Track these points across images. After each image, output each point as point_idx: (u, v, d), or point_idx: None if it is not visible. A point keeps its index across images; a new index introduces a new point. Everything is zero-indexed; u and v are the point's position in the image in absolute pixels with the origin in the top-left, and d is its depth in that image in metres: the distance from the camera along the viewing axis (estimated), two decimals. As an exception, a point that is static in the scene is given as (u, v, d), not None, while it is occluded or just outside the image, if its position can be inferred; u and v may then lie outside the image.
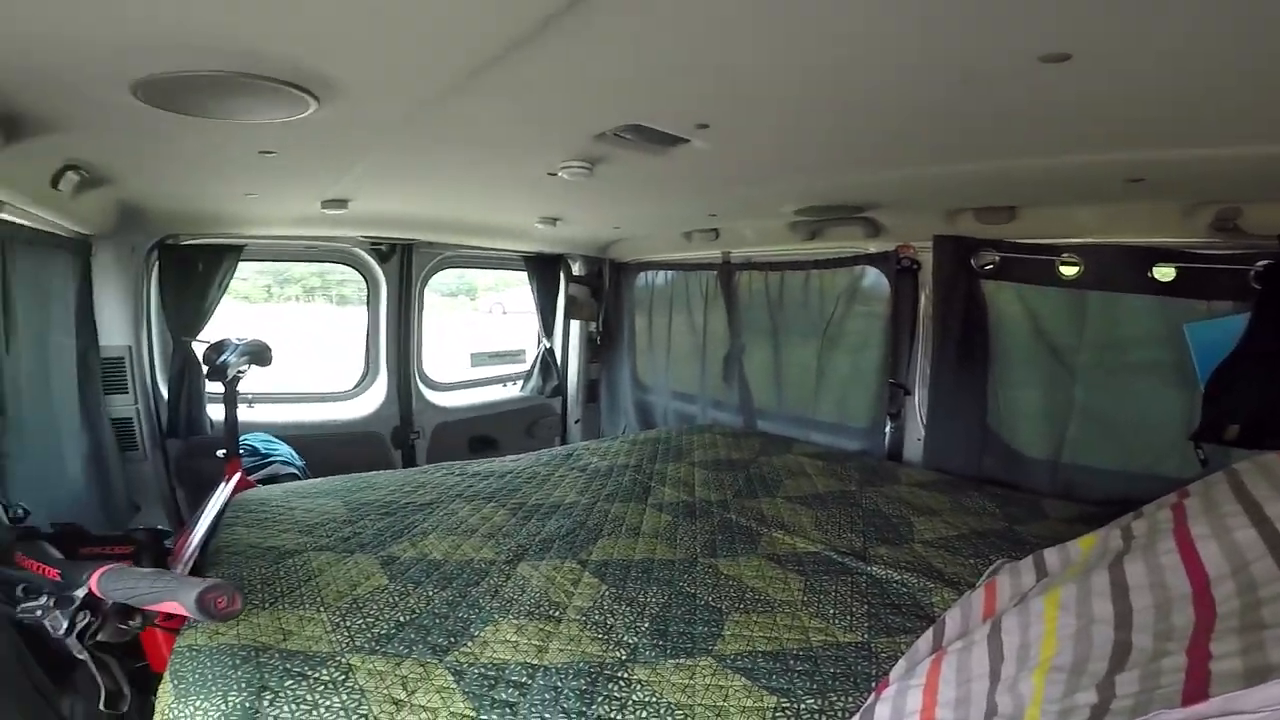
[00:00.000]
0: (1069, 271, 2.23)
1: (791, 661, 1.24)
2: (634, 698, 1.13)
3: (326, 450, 3.22)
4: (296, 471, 2.83)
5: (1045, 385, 2.36)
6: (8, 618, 1.18)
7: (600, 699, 1.12)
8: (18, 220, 1.90)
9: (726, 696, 1.14)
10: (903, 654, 1.14)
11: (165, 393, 2.95)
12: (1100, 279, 2.18)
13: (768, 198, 2.39)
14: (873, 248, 2.80)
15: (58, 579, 1.10)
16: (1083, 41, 0.93)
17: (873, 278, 2.89)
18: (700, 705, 1.11)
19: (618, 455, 2.65)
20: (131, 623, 1.13)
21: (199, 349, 2.87)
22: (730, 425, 3.41)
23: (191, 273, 2.95)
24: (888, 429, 2.81)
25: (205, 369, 2.19)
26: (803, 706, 1.12)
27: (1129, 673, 0.73)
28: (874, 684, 1.14)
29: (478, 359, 4.20)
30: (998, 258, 2.36)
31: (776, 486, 2.31)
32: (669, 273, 4.00)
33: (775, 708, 1.11)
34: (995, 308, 2.45)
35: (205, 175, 2.03)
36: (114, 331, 2.67)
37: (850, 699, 1.13)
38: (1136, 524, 1.07)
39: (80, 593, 1.06)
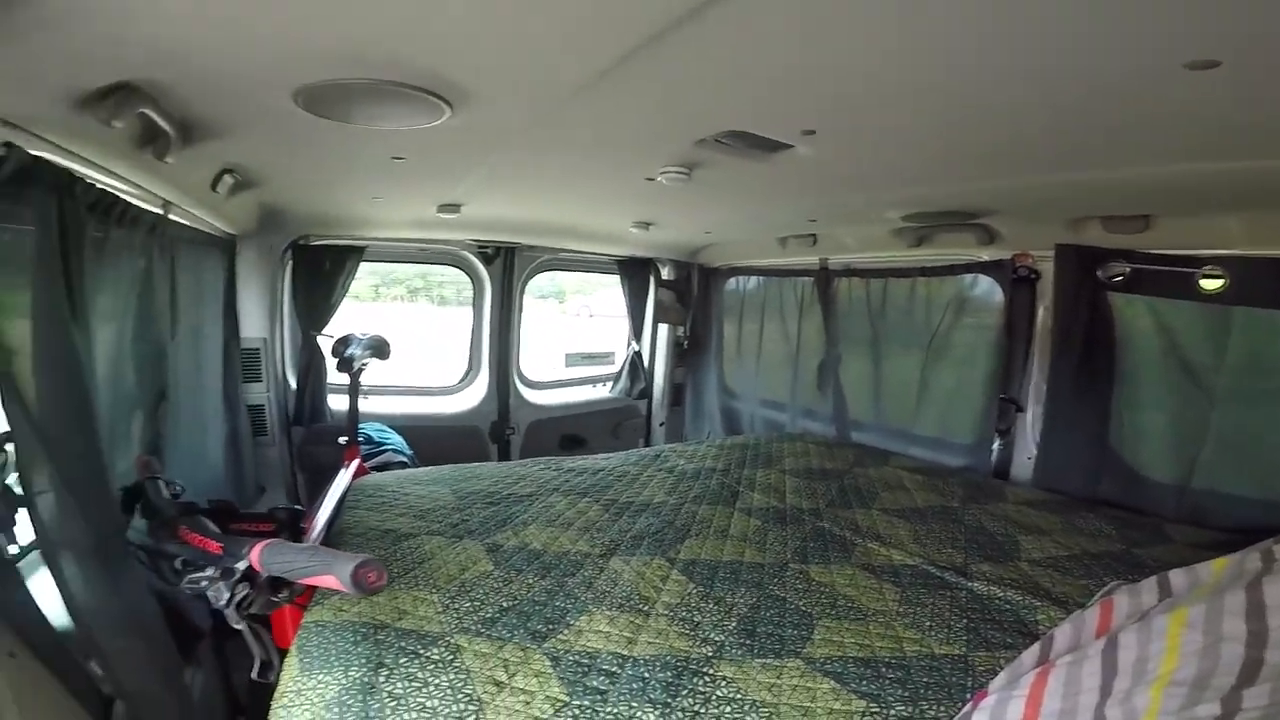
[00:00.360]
0: (1211, 285, 2.04)
1: (883, 669, 1.23)
2: (718, 693, 1.14)
3: (430, 442, 3.39)
4: (406, 460, 3.01)
5: (1177, 406, 2.18)
6: (151, 589, 1.30)
7: (685, 692, 1.14)
8: (182, 220, 2.10)
9: (814, 698, 1.13)
10: (1003, 669, 1.10)
11: (293, 383, 3.23)
12: (1247, 294, 1.99)
13: (872, 203, 2.33)
14: (986, 255, 2.66)
15: (219, 553, 1.16)
16: (1233, 47, 0.87)
17: (985, 287, 2.75)
18: (786, 705, 1.12)
19: (705, 459, 2.66)
20: (279, 596, 1.17)
21: (324, 343, 3.12)
22: (822, 435, 3.33)
23: (319, 271, 3.22)
24: (995, 446, 2.67)
25: (335, 361, 2.37)
26: (892, 713, 1.10)
27: (1258, 687, 0.70)
28: (969, 695, 1.11)
29: (572, 359, 4.34)
30: (1129, 269, 2.19)
31: (872, 498, 2.26)
32: (761, 278, 3.96)
33: (864, 712, 1.10)
34: (1123, 322, 2.29)
35: (340, 178, 2.20)
36: (252, 324, 2.94)
37: (943, 708, 1.11)
38: (1279, 548, 1.00)
39: (241, 565, 1.11)
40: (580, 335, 5.61)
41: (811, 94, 1.21)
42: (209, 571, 1.12)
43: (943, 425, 2.94)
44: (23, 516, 1.13)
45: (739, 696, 1.14)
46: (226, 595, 1.10)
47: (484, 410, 3.81)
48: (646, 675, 1.19)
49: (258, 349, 2.97)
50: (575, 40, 0.99)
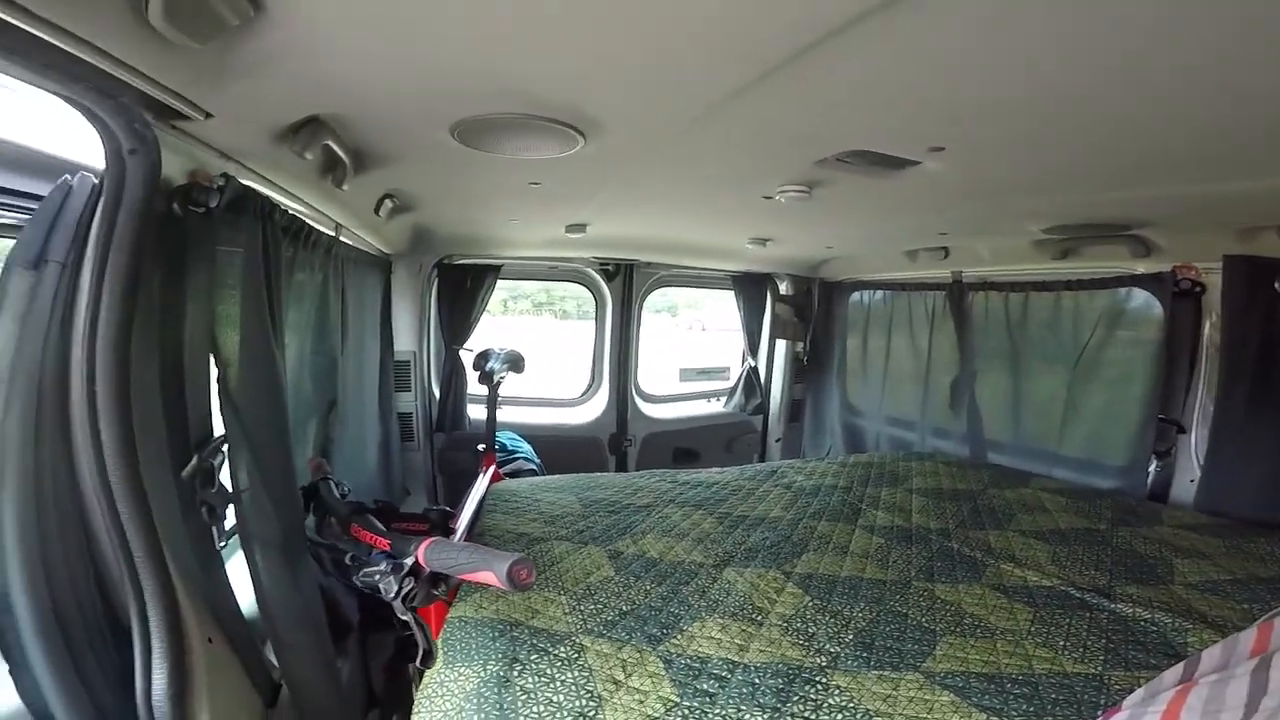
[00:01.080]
0: None
1: (1008, 685, 1.19)
2: (830, 701, 1.15)
3: (553, 451, 3.57)
4: (535, 468, 3.19)
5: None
6: (318, 583, 1.39)
7: (795, 699, 1.16)
8: (349, 241, 2.31)
9: (931, 710, 1.12)
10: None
11: (436, 392, 3.53)
12: None
13: (1010, 216, 2.20)
14: (1141, 268, 2.43)
15: (388, 549, 1.25)
16: None
17: (1140, 300, 2.51)
18: (902, 715, 1.11)
19: (824, 475, 2.62)
20: (438, 590, 1.23)
21: (465, 356, 3.39)
22: (954, 455, 3.16)
23: (461, 289, 3.50)
24: (1152, 468, 2.42)
25: (477, 374, 2.57)
26: (1014, 726, 1.06)
27: None
28: (1100, 713, 1.05)
29: (686, 374, 4.40)
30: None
31: (1008, 520, 2.14)
32: (888, 292, 3.82)
33: None
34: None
35: (483, 202, 2.37)
36: (404, 338, 3.25)
37: (1070, 724, 1.05)
38: None
39: (409, 561, 1.19)
40: (692, 348, 5.67)
41: (941, 112, 1.19)
42: (381, 566, 1.21)
43: (1091, 446, 2.70)
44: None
45: (851, 705, 1.14)
46: (395, 588, 1.18)
47: (604, 422, 3.95)
48: (756, 681, 1.21)
49: (408, 361, 3.26)
50: (703, 70, 1.03)
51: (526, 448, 3.34)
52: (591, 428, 3.94)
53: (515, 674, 1.22)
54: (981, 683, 1.20)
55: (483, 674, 1.22)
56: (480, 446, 2.60)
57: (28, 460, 0.95)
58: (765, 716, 1.11)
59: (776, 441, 4.44)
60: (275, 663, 1.33)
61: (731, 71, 1.02)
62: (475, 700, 1.17)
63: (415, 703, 1.22)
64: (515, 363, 2.58)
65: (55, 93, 0.86)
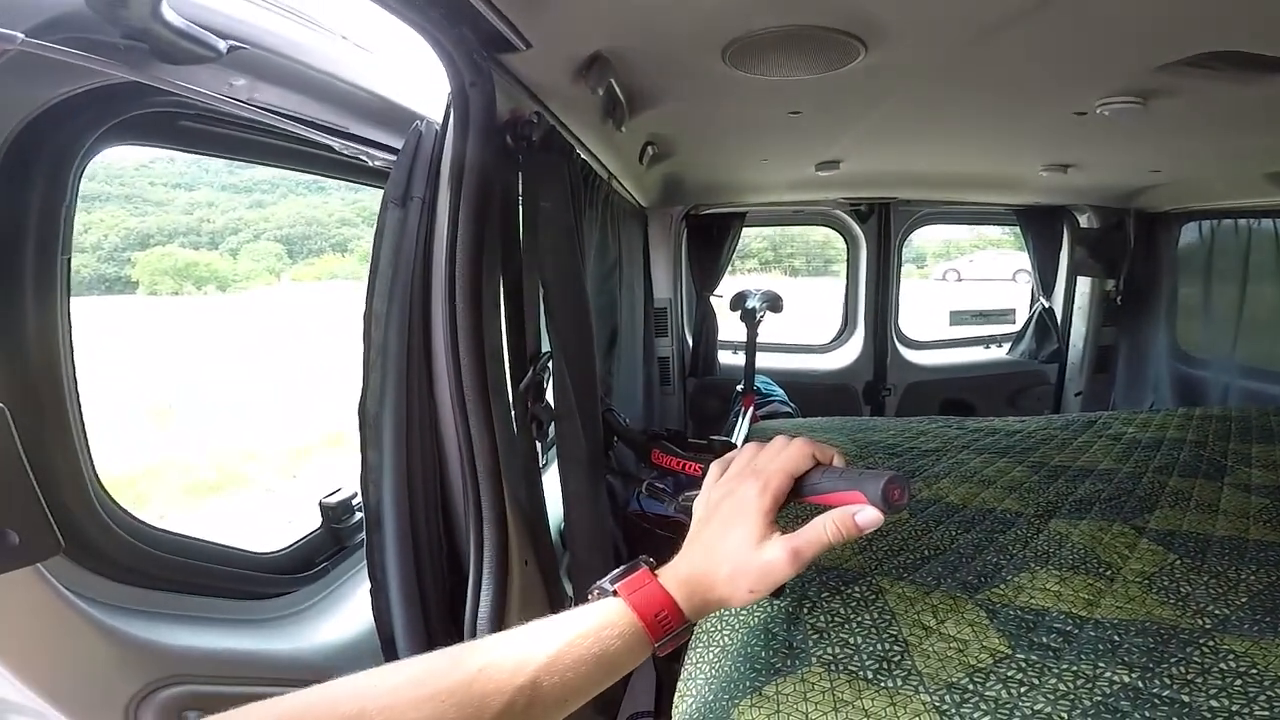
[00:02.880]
0: None
1: None
2: (1222, 665, 0.95)
3: (802, 398, 3.48)
4: (790, 412, 3.15)
5: None
6: (613, 510, 1.43)
7: (1174, 659, 0.97)
8: (619, 190, 2.40)
9: None
10: None
11: (689, 339, 3.64)
12: None
13: None
14: None
15: (701, 473, 1.25)
16: None
17: None
18: None
19: (1165, 428, 2.17)
20: None
21: (715, 303, 3.44)
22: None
23: (709, 239, 3.56)
24: None
25: (737, 313, 2.58)
26: None
27: None
28: None
29: (958, 317, 3.94)
30: None
31: None
32: (1239, 221, 3.06)
33: None
34: None
35: (737, 141, 2.28)
36: (661, 286, 3.40)
37: None
38: None
39: None
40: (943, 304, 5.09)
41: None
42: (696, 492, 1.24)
43: None
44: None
45: (1254, 670, 0.93)
46: None
47: (858, 369, 3.75)
48: (1116, 638, 1.03)
49: (665, 308, 3.40)
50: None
51: (780, 392, 3.31)
52: (844, 375, 3.76)
53: (805, 611, 1.15)
54: None
55: (770, 609, 1.17)
56: (739, 387, 2.61)
57: (403, 376, 1.04)
58: (1135, 675, 0.94)
59: (1077, 395, 3.77)
60: (569, 592, 1.34)
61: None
62: (762, 635, 1.11)
63: (693, 636, 1.18)
64: (774, 302, 2.53)
65: (408, 20, 0.92)
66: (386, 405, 1.04)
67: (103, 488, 0.95)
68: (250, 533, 1.36)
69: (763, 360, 3.72)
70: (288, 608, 1.16)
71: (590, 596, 0.68)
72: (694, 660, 1.15)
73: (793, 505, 0.78)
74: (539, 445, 1.27)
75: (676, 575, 0.69)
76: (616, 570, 0.68)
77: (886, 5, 1.09)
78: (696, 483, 1.20)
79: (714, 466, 0.83)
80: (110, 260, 5.32)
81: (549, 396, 1.30)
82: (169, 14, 0.74)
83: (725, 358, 3.74)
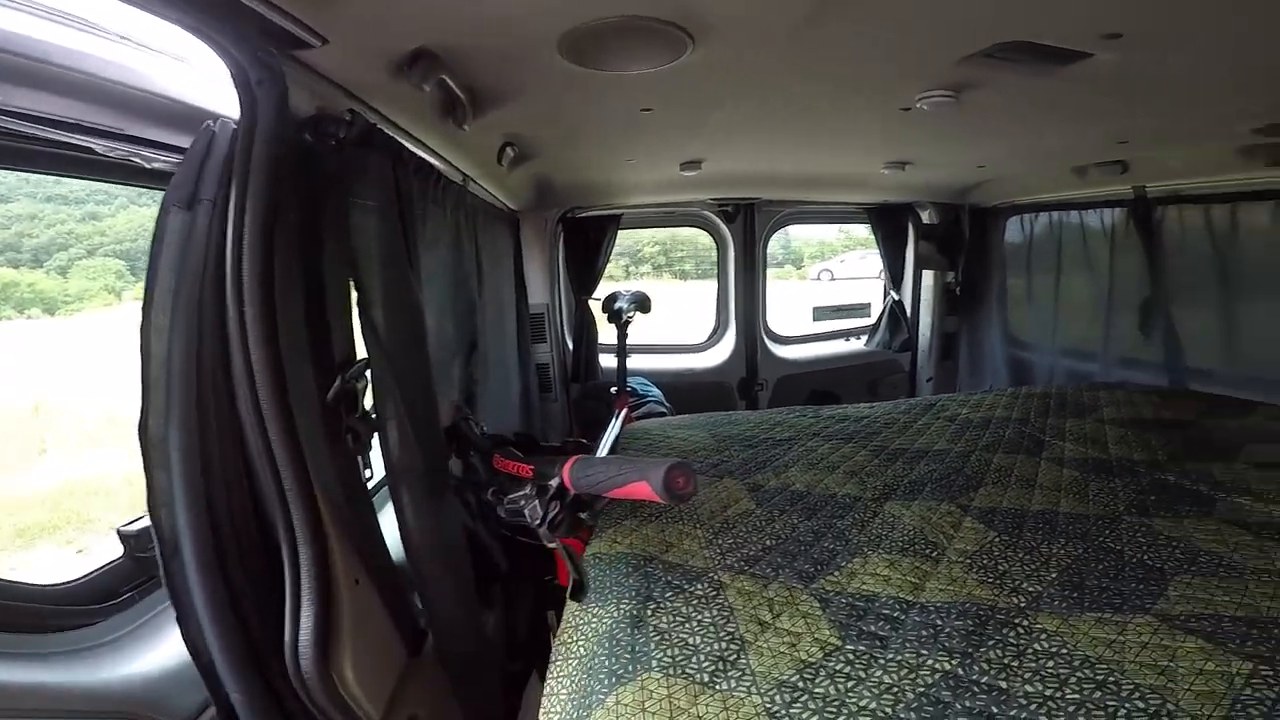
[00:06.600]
0: None
1: (1276, 630, 0.99)
2: (1036, 646, 1.00)
3: (681, 397, 3.53)
4: (665, 411, 3.18)
5: None
6: (464, 527, 1.34)
7: (992, 642, 1.02)
8: (477, 194, 2.29)
9: (1174, 657, 0.95)
10: None
11: (569, 344, 3.60)
12: None
13: (1209, 118, 1.80)
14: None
15: (531, 475, 1.17)
16: None
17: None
18: (1134, 663, 0.94)
19: (994, 408, 2.36)
20: (584, 515, 1.15)
21: (594, 305, 3.42)
22: (1149, 384, 2.76)
23: (585, 242, 3.52)
24: None
25: (605, 315, 2.57)
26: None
27: None
28: None
29: (820, 312, 4.15)
30: None
31: (1233, 450, 1.81)
32: (1054, 214, 3.40)
33: (1251, 674, 0.89)
34: None
35: (597, 139, 2.29)
36: (536, 291, 3.30)
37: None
38: None
39: (554, 483, 1.11)
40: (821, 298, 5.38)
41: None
42: (526, 490, 1.15)
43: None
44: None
45: (1064, 651, 0.98)
46: (541, 513, 1.11)
47: (732, 366, 3.85)
48: (939, 623, 1.08)
49: (542, 314, 3.32)
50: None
51: (657, 392, 3.34)
52: (719, 372, 3.85)
53: (649, 613, 1.15)
54: (1240, 626, 1.00)
55: (616, 614, 1.15)
56: (613, 390, 2.61)
57: (191, 392, 0.96)
58: (955, 661, 0.97)
59: (928, 381, 4.08)
60: (421, 609, 1.29)
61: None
62: (608, 642, 1.09)
63: (553, 649, 1.17)
64: (642, 303, 2.54)
65: (179, 23, 0.87)
66: (172, 424, 0.95)
67: None
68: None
69: (641, 361, 3.76)
70: (88, 640, 1.08)
71: None
72: (555, 675, 1.12)
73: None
74: (363, 459, 1.18)
75: None
76: None
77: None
78: (528, 483, 1.17)
79: None
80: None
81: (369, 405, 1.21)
82: None
83: (608, 361, 3.71)
